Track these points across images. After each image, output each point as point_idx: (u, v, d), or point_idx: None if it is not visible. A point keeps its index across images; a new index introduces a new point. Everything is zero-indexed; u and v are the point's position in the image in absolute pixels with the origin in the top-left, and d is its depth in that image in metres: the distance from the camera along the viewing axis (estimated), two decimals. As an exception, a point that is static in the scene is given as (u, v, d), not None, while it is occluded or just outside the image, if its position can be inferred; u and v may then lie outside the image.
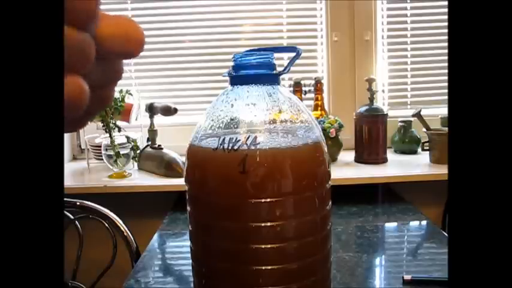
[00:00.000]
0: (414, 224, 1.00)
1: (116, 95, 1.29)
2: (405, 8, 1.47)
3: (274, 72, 0.44)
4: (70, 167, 1.39)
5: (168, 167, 1.22)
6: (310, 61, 1.48)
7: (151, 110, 1.27)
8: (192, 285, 0.48)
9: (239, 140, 0.41)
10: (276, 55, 0.45)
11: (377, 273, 0.77)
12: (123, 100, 1.29)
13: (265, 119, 0.43)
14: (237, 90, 0.44)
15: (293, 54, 0.44)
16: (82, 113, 0.21)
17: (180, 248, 0.91)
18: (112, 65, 0.23)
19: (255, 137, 0.41)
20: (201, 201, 0.45)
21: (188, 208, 0.46)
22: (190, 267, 0.48)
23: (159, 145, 1.30)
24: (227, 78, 0.45)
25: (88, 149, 1.36)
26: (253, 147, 0.40)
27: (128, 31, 0.22)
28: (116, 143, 1.22)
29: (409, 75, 1.49)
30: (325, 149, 0.45)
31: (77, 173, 1.34)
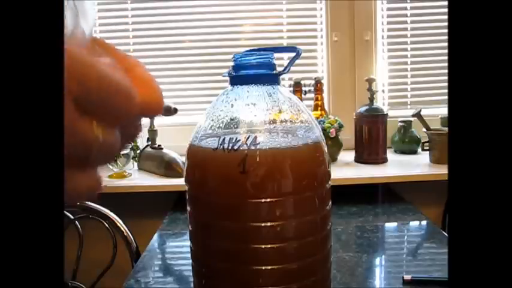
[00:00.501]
0: (414, 224, 1.00)
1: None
2: (405, 8, 1.47)
3: (274, 72, 0.44)
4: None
5: (168, 167, 1.22)
6: (310, 61, 1.48)
7: (151, 110, 1.27)
8: (192, 285, 0.48)
9: (239, 140, 0.41)
10: (276, 55, 0.45)
11: (377, 273, 0.77)
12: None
13: (265, 119, 0.43)
14: (237, 90, 0.44)
15: (293, 54, 0.44)
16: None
17: (180, 248, 0.91)
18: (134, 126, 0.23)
19: (255, 137, 0.41)
20: (201, 201, 0.45)
21: (188, 208, 0.46)
22: (190, 267, 0.48)
23: (159, 145, 1.30)
24: (227, 78, 0.45)
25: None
26: (253, 147, 0.40)
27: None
28: (115, 143, 1.22)
29: (409, 75, 1.49)
30: (325, 149, 0.45)
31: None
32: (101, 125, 0.20)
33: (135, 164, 1.34)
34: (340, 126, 1.29)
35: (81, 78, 0.18)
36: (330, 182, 0.46)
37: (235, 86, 0.45)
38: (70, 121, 0.19)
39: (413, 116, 1.30)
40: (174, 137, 1.32)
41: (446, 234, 0.89)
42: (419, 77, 1.48)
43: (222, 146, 0.41)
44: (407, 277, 0.67)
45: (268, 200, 0.40)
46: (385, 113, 1.28)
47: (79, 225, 1.04)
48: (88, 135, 0.19)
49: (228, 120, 0.44)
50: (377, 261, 0.81)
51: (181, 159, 1.23)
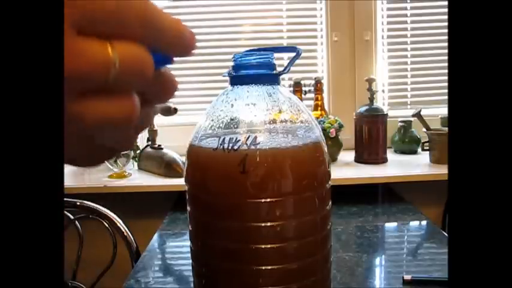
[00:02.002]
0: (414, 224, 1.00)
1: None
2: (405, 8, 1.47)
3: (274, 72, 0.44)
4: (70, 167, 1.38)
5: (168, 167, 1.22)
6: (310, 61, 1.48)
7: (151, 110, 1.27)
8: (192, 285, 0.48)
9: (239, 140, 0.41)
10: (276, 55, 0.45)
11: (377, 273, 0.77)
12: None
13: (265, 119, 0.43)
14: (237, 90, 0.44)
15: (293, 54, 0.44)
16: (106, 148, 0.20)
17: (180, 248, 0.91)
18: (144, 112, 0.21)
19: (255, 137, 0.41)
20: (201, 201, 0.45)
21: (188, 208, 0.46)
22: (190, 267, 0.48)
23: (159, 145, 1.30)
24: (227, 78, 0.45)
25: (88, 149, 1.36)
26: (253, 147, 0.40)
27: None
28: (116, 143, 1.22)
29: (409, 75, 1.49)
30: (325, 149, 0.45)
31: (77, 172, 1.34)
32: (118, 45, 0.18)
33: (135, 164, 1.34)
34: (340, 126, 1.28)
35: None
36: (330, 182, 0.46)
37: (235, 86, 0.45)
38: (72, 47, 0.17)
39: (413, 116, 1.30)
40: (174, 137, 1.32)
41: (446, 234, 0.89)
42: (419, 77, 1.48)
43: (222, 146, 0.41)
44: (407, 277, 0.67)
45: (268, 200, 0.40)
46: (385, 113, 1.28)
47: (79, 225, 1.04)
48: (98, 58, 0.17)
49: (228, 120, 0.44)
50: (377, 261, 0.81)
51: (181, 159, 1.23)
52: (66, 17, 0.17)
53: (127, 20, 0.18)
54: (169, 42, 0.20)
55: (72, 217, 1.04)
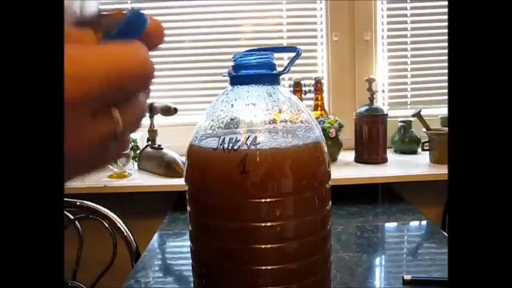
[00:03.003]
0: (414, 224, 1.00)
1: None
2: (405, 8, 1.47)
3: (274, 72, 0.44)
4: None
5: (168, 167, 1.22)
6: (310, 61, 1.48)
7: (151, 110, 1.27)
8: (192, 285, 0.48)
9: (239, 140, 0.41)
10: (276, 55, 0.45)
11: (377, 273, 0.77)
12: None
13: (265, 119, 0.43)
14: (237, 90, 0.44)
15: (293, 54, 0.44)
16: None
17: (180, 248, 0.91)
18: (139, 105, 0.23)
19: (255, 137, 0.41)
20: (201, 201, 0.45)
21: (188, 208, 0.46)
22: (190, 267, 0.48)
23: (159, 145, 1.30)
24: (227, 78, 0.45)
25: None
26: (253, 147, 0.40)
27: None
28: (116, 143, 1.22)
29: (409, 75, 1.49)
30: (325, 149, 0.45)
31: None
32: (120, 107, 0.21)
33: (135, 164, 1.33)
34: (340, 126, 1.28)
35: (80, 85, 0.18)
36: (330, 182, 0.46)
37: (235, 86, 0.45)
38: (85, 128, 0.19)
39: (413, 116, 1.30)
40: (174, 137, 1.32)
41: (446, 234, 0.89)
42: (419, 77, 1.48)
43: (222, 146, 0.41)
44: (407, 277, 0.67)
45: (268, 200, 0.40)
46: (385, 113, 1.28)
47: (79, 225, 1.04)
48: (108, 130, 0.20)
49: (228, 120, 0.44)
50: (377, 261, 0.81)
51: (181, 159, 1.23)
52: (84, 106, 0.19)
53: (131, 92, 0.22)
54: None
55: (72, 217, 1.04)
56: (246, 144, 0.41)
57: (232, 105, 0.44)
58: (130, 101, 0.22)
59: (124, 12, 0.23)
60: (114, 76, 0.19)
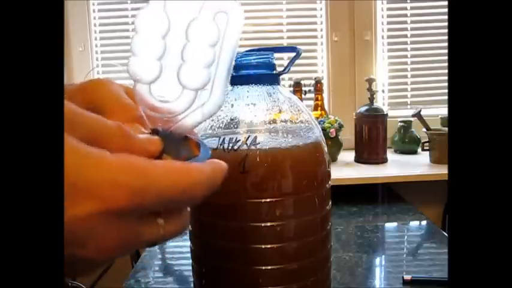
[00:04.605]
0: (414, 224, 1.00)
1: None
2: (405, 8, 1.47)
3: (274, 72, 0.44)
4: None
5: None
6: (310, 61, 1.48)
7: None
8: (192, 285, 0.48)
9: (239, 140, 0.41)
10: (276, 55, 0.45)
11: (377, 273, 0.77)
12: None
13: (265, 119, 0.43)
14: (237, 90, 0.44)
15: (293, 54, 0.44)
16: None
17: (180, 248, 0.91)
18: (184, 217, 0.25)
19: (255, 137, 0.41)
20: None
21: (188, 208, 0.46)
22: (190, 267, 0.48)
23: (159, 145, 1.29)
24: (227, 78, 0.45)
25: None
26: (253, 147, 0.40)
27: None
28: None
29: (409, 75, 1.49)
30: (325, 149, 0.45)
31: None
32: (167, 214, 0.22)
33: (135, 164, 1.33)
34: (340, 126, 1.28)
35: (136, 196, 0.19)
36: (330, 182, 0.46)
37: (235, 86, 0.45)
38: (127, 232, 0.20)
39: (413, 116, 1.30)
40: (174, 137, 1.32)
41: (446, 234, 0.89)
42: (419, 77, 1.48)
43: (222, 146, 0.41)
44: (407, 277, 0.67)
45: (268, 200, 0.40)
46: (385, 113, 1.28)
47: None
48: (150, 235, 0.21)
49: (228, 120, 0.44)
50: (377, 261, 0.81)
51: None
52: (133, 213, 0.20)
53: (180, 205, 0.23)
54: None
55: (72, 217, 1.04)
56: (246, 144, 0.41)
57: (232, 105, 0.44)
58: (177, 211, 0.23)
59: (198, 148, 0.25)
60: (169, 194, 0.20)
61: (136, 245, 0.21)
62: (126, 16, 1.46)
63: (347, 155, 1.33)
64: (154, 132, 0.24)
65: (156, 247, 0.92)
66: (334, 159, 1.29)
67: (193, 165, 0.22)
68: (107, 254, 0.20)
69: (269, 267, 0.41)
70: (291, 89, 1.31)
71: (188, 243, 0.47)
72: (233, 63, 0.23)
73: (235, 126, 0.44)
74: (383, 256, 0.83)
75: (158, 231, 0.22)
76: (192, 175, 0.21)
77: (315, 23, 1.48)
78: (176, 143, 0.24)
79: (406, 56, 1.48)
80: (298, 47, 0.44)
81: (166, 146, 0.23)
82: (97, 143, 0.20)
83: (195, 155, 0.25)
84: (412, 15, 1.47)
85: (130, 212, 0.19)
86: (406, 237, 0.94)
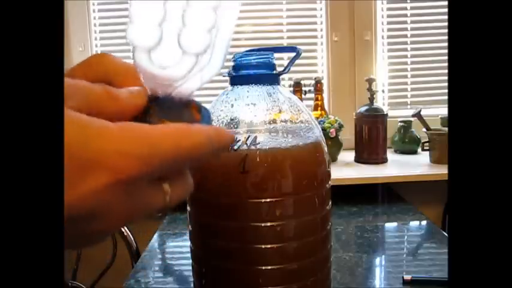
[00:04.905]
0: (414, 224, 1.00)
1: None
2: (405, 8, 1.47)
3: (274, 72, 0.44)
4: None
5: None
6: (310, 61, 1.48)
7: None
8: (192, 285, 0.48)
9: (239, 140, 0.41)
10: (276, 55, 0.45)
11: (377, 273, 0.77)
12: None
13: (265, 119, 0.43)
14: (237, 90, 0.44)
15: (293, 54, 0.44)
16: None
17: (180, 248, 0.91)
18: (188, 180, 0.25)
19: (255, 137, 0.41)
20: (201, 201, 0.45)
21: (188, 208, 0.46)
22: (190, 267, 0.48)
23: (159, 145, 1.29)
24: (227, 78, 0.45)
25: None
26: (253, 147, 0.40)
27: None
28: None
29: (409, 75, 1.49)
30: (325, 149, 0.45)
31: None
32: (172, 179, 0.22)
33: (135, 164, 1.33)
34: (340, 126, 1.28)
35: (144, 163, 0.19)
36: (330, 182, 0.46)
37: (235, 86, 0.45)
38: (137, 200, 0.20)
39: (413, 116, 1.30)
40: (174, 137, 1.32)
41: (446, 234, 0.89)
42: (419, 77, 1.48)
43: (222, 146, 0.41)
44: (407, 277, 0.67)
45: (268, 200, 0.40)
46: (385, 113, 1.28)
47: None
48: (157, 201, 0.21)
49: (228, 120, 0.44)
50: (377, 261, 0.81)
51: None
52: (141, 180, 0.20)
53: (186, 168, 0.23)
54: None
55: (72, 217, 1.04)
56: (246, 144, 0.41)
57: (232, 105, 0.44)
58: (180, 175, 0.23)
59: (200, 113, 0.25)
60: (173, 156, 0.20)
61: (146, 212, 0.21)
62: (126, 16, 1.45)
63: (347, 155, 1.33)
64: (153, 98, 0.24)
65: (156, 247, 0.92)
66: (334, 159, 1.29)
67: (194, 126, 0.22)
68: (119, 224, 0.20)
69: (269, 267, 0.41)
70: (291, 89, 1.31)
71: (188, 243, 0.47)
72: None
73: (235, 126, 0.44)
74: (383, 256, 0.83)
75: (165, 197, 0.22)
76: (194, 135, 0.21)
77: (315, 23, 1.47)
78: (177, 108, 0.24)
79: (406, 56, 1.48)
80: (298, 47, 0.44)
81: (167, 112, 0.23)
82: (90, 110, 0.20)
83: (197, 119, 0.25)
84: (412, 15, 1.47)
85: (139, 180, 0.19)
86: (406, 237, 0.94)
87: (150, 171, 0.20)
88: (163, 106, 0.23)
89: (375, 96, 1.29)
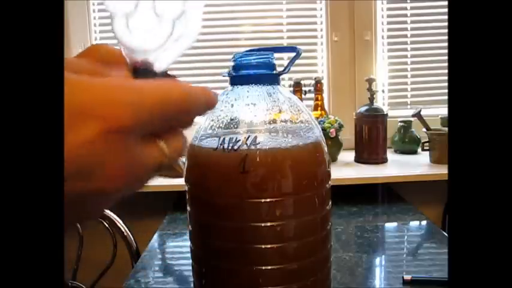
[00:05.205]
0: (414, 224, 1.00)
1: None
2: (405, 8, 1.47)
3: (274, 72, 0.44)
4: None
5: (168, 167, 1.22)
6: (310, 61, 1.48)
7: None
8: (192, 285, 0.48)
9: (239, 140, 0.41)
10: (276, 55, 0.45)
11: (377, 273, 0.77)
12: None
13: (265, 119, 0.43)
14: (237, 90, 0.44)
15: (293, 54, 0.44)
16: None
17: (180, 248, 0.91)
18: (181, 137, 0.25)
19: (255, 137, 0.41)
20: (201, 201, 0.45)
21: (188, 208, 0.46)
22: (190, 267, 0.48)
23: (159, 145, 1.29)
24: (227, 78, 0.45)
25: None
26: (253, 147, 0.40)
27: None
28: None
29: (409, 75, 1.49)
30: (325, 149, 0.45)
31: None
32: (167, 140, 0.22)
33: (135, 164, 1.33)
34: (340, 126, 1.28)
35: (134, 111, 0.19)
36: (330, 182, 0.46)
37: (235, 86, 0.45)
38: (133, 155, 0.20)
39: (413, 116, 1.30)
40: (174, 137, 1.32)
41: (446, 234, 0.89)
42: (419, 77, 1.48)
43: (222, 146, 0.41)
44: (407, 277, 0.67)
45: (268, 200, 0.40)
46: (385, 113, 1.28)
47: (79, 225, 1.04)
48: (155, 158, 0.21)
49: (228, 120, 0.44)
50: (377, 261, 0.81)
51: (182, 159, 1.23)
52: (136, 132, 0.20)
53: (174, 122, 0.23)
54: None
55: (72, 217, 1.03)
56: (246, 144, 0.41)
57: (232, 105, 0.44)
58: (173, 132, 0.23)
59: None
60: (162, 106, 0.21)
61: (144, 170, 0.21)
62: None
63: (347, 155, 1.33)
64: (133, 69, 0.24)
65: (156, 247, 0.92)
66: (334, 159, 1.29)
67: (183, 82, 0.22)
68: (117, 183, 0.20)
69: (269, 267, 0.41)
70: (291, 89, 1.31)
71: (188, 243, 0.47)
72: None
73: (235, 126, 0.44)
74: (383, 256, 0.83)
75: (161, 153, 0.22)
76: (182, 87, 0.22)
77: (315, 23, 1.47)
78: (156, 79, 0.24)
79: (406, 56, 1.48)
80: (298, 47, 0.44)
81: None
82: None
83: None
84: (412, 15, 1.47)
85: (133, 131, 0.19)
86: (406, 237, 0.94)
87: (141, 122, 0.19)
88: (142, 78, 0.23)
89: (374, 96, 1.29)
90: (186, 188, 0.46)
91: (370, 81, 1.28)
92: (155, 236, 0.96)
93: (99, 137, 0.18)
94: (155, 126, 0.21)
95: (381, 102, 1.49)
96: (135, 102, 0.19)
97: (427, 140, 1.27)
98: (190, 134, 0.46)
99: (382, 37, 1.47)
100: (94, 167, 0.18)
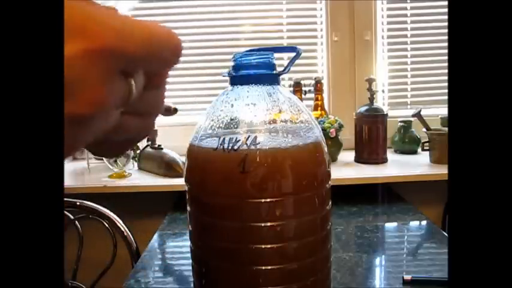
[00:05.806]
0: (414, 224, 1.00)
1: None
2: (405, 8, 1.47)
3: (274, 72, 0.44)
4: (70, 167, 1.39)
5: (168, 167, 1.22)
6: (310, 61, 1.48)
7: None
8: (192, 285, 0.48)
9: (239, 140, 0.41)
10: (276, 55, 0.45)
11: (377, 273, 0.77)
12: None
13: (265, 119, 0.43)
14: (237, 90, 0.44)
15: (293, 54, 0.44)
16: (123, 138, 0.24)
17: (180, 248, 0.91)
18: (154, 96, 0.26)
19: (255, 137, 0.41)
20: (201, 201, 0.45)
21: (188, 208, 0.46)
22: (190, 267, 0.48)
23: (159, 145, 1.30)
24: (227, 78, 0.45)
25: (88, 149, 1.36)
26: (253, 147, 0.40)
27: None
28: (116, 143, 1.22)
29: (409, 75, 1.49)
30: (325, 149, 0.45)
31: (77, 173, 1.34)
32: (136, 78, 0.22)
33: (135, 164, 1.33)
34: (340, 126, 1.28)
35: (119, 36, 0.19)
36: (330, 182, 0.46)
37: (235, 86, 0.45)
38: (112, 81, 0.20)
39: (413, 116, 1.30)
40: (174, 137, 1.32)
41: (446, 234, 0.89)
42: (419, 77, 1.48)
43: (222, 146, 0.41)
44: (407, 277, 0.67)
45: (268, 200, 0.40)
46: (385, 113, 1.28)
47: (79, 225, 1.04)
48: (124, 93, 0.21)
49: (228, 120, 0.44)
50: (377, 261, 0.81)
51: (181, 159, 1.23)
52: (117, 59, 0.20)
53: (151, 62, 0.23)
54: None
55: (72, 217, 1.04)
56: (246, 144, 0.41)
57: (232, 105, 0.44)
58: (154, 81, 0.24)
59: None
60: (149, 40, 0.21)
61: (114, 100, 0.21)
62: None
63: (347, 155, 1.33)
64: None
65: (156, 247, 0.92)
66: (334, 159, 1.29)
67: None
68: (97, 106, 0.19)
69: (269, 267, 0.41)
70: (291, 89, 1.31)
71: (188, 243, 0.47)
72: None
73: (235, 126, 0.44)
74: (383, 256, 0.83)
75: (130, 90, 0.22)
76: (165, 27, 0.22)
77: (315, 23, 1.48)
78: None
79: (406, 56, 1.48)
80: (298, 47, 0.44)
81: None
82: None
83: None
84: (412, 15, 1.47)
85: (115, 56, 0.19)
86: (406, 237, 0.94)
87: (124, 49, 0.19)
88: None
89: (374, 96, 1.29)
90: (186, 188, 0.46)
91: (370, 81, 1.28)
92: (155, 236, 0.96)
93: (83, 53, 0.18)
94: (136, 58, 0.21)
95: (381, 102, 1.49)
96: (121, 28, 0.19)
97: (427, 140, 1.28)
98: (190, 134, 0.46)
99: (382, 37, 1.47)
100: (74, 85, 0.18)
